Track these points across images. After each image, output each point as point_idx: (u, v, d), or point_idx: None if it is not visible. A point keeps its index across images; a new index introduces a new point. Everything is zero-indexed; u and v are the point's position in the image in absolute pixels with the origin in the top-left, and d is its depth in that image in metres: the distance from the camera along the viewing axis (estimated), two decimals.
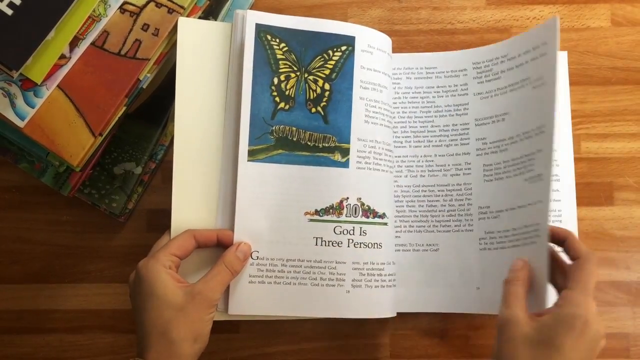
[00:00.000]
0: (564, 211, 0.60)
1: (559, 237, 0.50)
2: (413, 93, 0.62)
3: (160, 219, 0.62)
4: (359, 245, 0.55)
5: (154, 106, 0.60)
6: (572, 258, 0.49)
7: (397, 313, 0.57)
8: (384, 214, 0.56)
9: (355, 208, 0.55)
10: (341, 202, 0.55)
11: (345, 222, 0.55)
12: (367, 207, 0.55)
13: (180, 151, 0.54)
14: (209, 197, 0.54)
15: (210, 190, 0.54)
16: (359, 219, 0.55)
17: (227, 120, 0.55)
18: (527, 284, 0.49)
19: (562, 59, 0.63)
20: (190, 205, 0.54)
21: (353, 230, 0.55)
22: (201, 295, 0.48)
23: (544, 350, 0.43)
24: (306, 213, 0.54)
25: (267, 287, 0.54)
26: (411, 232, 0.59)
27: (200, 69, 0.55)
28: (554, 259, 0.49)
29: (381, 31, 0.59)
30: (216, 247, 0.53)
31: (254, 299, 0.53)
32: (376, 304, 0.55)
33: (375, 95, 0.57)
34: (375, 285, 0.55)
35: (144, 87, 0.55)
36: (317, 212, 0.54)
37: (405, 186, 0.60)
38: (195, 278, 0.51)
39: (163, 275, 0.48)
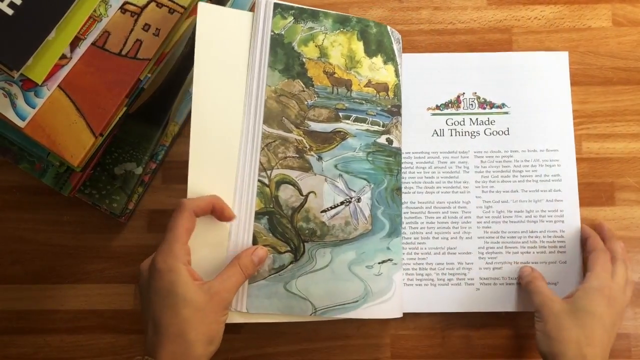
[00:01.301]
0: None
1: (583, 236, 0.60)
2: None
3: (161, 219, 0.62)
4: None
5: (155, 106, 0.60)
6: (588, 252, 0.58)
7: None
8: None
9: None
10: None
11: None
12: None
13: (197, 136, 0.53)
14: (226, 184, 0.54)
15: (227, 176, 0.54)
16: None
17: (247, 106, 0.55)
18: (543, 278, 0.57)
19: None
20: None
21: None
22: (219, 296, 0.47)
23: (583, 316, 0.52)
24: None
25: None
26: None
27: (219, 54, 0.54)
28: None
29: None
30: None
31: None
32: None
33: None
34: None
35: (145, 87, 0.55)
36: None
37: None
38: (202, 271, 0.50)
39: (183, 272, 0.47)
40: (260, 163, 0.53)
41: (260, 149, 0.54)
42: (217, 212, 0.52)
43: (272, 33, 0.55)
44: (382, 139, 0.57)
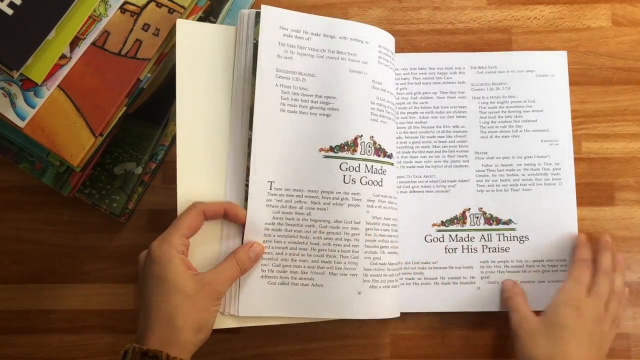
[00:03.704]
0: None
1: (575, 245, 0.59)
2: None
3: (161, 219, 0.62)
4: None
5: (154, 106, 0.60)
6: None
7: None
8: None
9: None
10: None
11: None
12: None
13: (183, 145, 0.54)
14: (215, 190, 0.54)
15: (216, 182, 0.54)
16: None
17: (233, 114, 0.55)
18: (524, 294, 0.57)
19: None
20: (197, 191, 0.53)
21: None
22: (211, 286, 0.48)
23: (555, 330, 0.52)
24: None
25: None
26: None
27: (201, 69, 0.55)
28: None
29: None
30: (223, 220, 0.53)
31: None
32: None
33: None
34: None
35: (144, 87, 0.55)
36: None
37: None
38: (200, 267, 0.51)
39: (176, 260, 0.48)
40: (248, 168, 0.54)
41: (247, 154, 0.54)
42: (232, 216, 0.53)
43: (255, 41, 0.55)
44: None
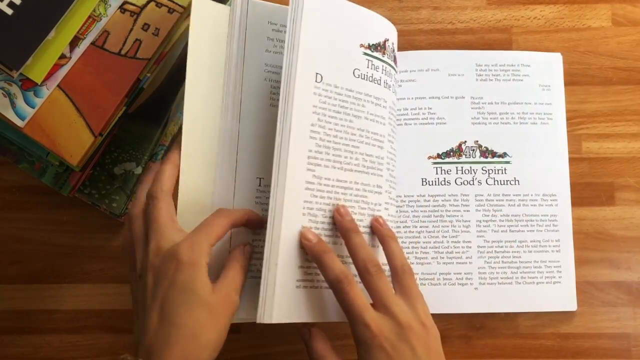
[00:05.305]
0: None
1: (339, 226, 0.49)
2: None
3: None
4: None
5: (154, 106, 0.60)
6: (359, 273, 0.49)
7: None
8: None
9: None
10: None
11: None
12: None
13: (189, 127, 0.51)
14: (207, 177, 0.52)
15: (209, 168, 0.52)
16: None
17: (224, 101, 0.53)
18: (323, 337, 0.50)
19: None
20: (197, 182, 0.51)
21: None
22: (229, 299, 0.45)
23: None
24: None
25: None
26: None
27: (212, 51, 0.53)
28: None
29: None
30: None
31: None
32: None
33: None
34: None
35: (144, 87, 0.55)
36: None
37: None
38: None
39: (204, 271, 0.44)
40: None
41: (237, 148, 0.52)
42: (253, 223, 0.50)
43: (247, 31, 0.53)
44: None
